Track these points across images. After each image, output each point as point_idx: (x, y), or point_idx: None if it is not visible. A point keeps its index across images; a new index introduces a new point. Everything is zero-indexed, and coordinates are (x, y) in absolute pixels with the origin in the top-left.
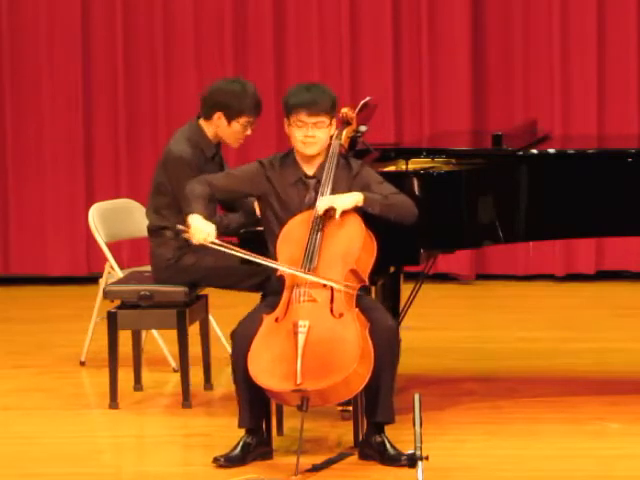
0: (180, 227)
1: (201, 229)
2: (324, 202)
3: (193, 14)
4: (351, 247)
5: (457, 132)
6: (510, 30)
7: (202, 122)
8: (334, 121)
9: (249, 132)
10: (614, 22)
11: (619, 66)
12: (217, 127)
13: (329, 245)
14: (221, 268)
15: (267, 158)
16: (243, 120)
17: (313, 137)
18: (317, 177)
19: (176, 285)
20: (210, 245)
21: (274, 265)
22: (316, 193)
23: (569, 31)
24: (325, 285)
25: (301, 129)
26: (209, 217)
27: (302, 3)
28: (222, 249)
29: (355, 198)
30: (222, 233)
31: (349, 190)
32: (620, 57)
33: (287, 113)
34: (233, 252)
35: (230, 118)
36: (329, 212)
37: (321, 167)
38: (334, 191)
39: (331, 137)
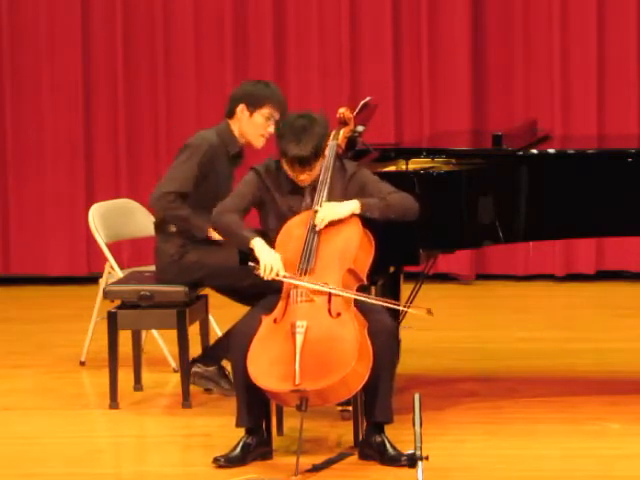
0: (252, 264)
1: (271, 265)
2: (319, 215)
3: (193, 14)
4: (348, 247)
5: (457, 132)
6: (510, 30)
7: (229, 121)
8: (325, 149)
9: (271, 128)
10: (614, 22)
11: (619, 66)
12: (240, 121)
13: (326, 245)
14: (223, 266)
15: (262, 165)
16: (265, 111)
17: (305, 179)
18: (312, 183)
19: (178, 283)
20: (282, 280)
21: (350, 294)
22: (311, 198)
23: (569, 31)
24: (323, 284)
25: (294, 172)
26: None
27: (302, 3)
28: (291, 281)
29: (352, 206)
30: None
31: (344, 192)
32: (620, 57)
33: (278, 150)
34: (304, 284)
35: (252, 108)
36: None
37: (314, 178)
38: (330, 195)
39: (328, 136)
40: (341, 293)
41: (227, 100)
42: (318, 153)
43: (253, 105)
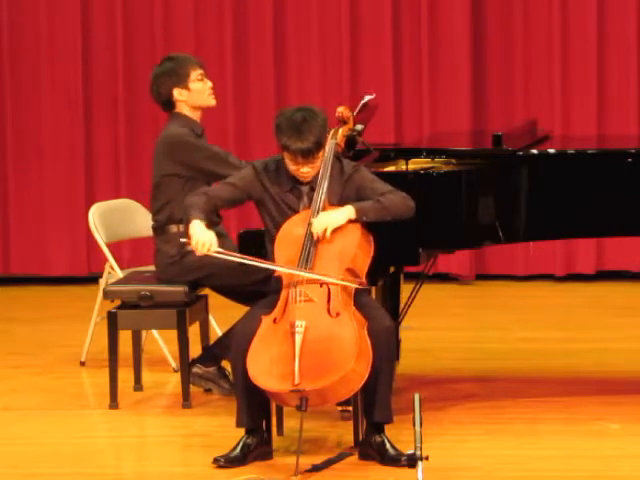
0: (183, 240)
1: (203, 240)
2: (318, 224)
3: (193, 14)
4: (347, 246)
5: (457, 132)
6: (510, 30)
7: (175, 112)
8: (325, 141)
9: (210, 84)
10: (614, 22)
11: (619, 66)
12: (185, 101)
13: (325, 245)
14: (224, 266)
15: (261, 161)
16: (194, 76)
17: (308, 172)
18: (311, 184)
19: (179, 283)
20: (213, 254)
21: (275, 267)
22: (309, 198)
23: (569, 31)
24: (322, 285)
25: (295, 165)
26: (208, 224)
27: (302, 3)
28: (225, 257)
29: (347, 213)
30: None
31: (342, 193)
32: (620, 57)
33: (279, 145)
34: (235, 259)
35: (183, 83)
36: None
37: (315, 173)
38: (327, 195)
39: (328, 127)
40: (311, 275)
41: (155, 101)
42: (320, 144)
43: (182, 81)
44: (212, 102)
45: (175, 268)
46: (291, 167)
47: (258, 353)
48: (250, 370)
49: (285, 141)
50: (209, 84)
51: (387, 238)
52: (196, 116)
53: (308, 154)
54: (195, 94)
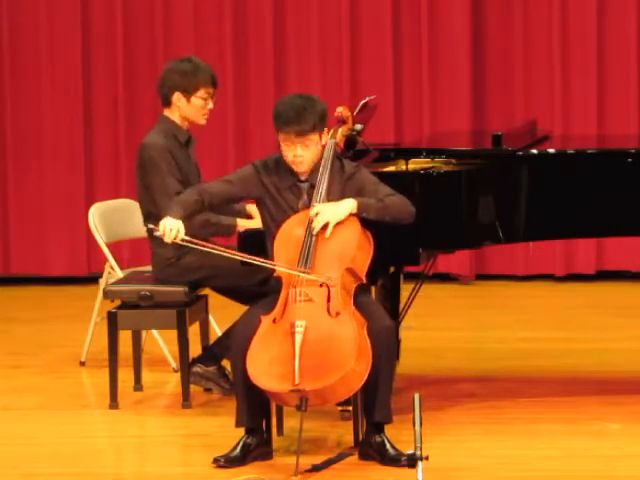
0: (151, 226)
1: (170, 226)
2: (319, 219)
3: (193, 14)
4: (347, 246)
5: (457, 132)
6: (510, 30)
7: (166, 111)
8: (324, 133)
9: (211, 106)
10: (614, 22)
11: (619, 66)
12: (179, 108)
13: (325, 244)
14: (222, 267)
15: (262, 160)
16: (201, 93)
17: (302, 156)
18: (310, 181)
19: (177, 284)
20: (182, 243)
21: (241, 257)
22: (309, 197)
23: (569, 31)
24: (322, 285)
25: (289, 148)
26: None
27: (302, 3)
28: (195, 247)
29: (349, 206)
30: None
31: (342, 193)
32: (620, 57)
33: (276, 129)
34: (205, 249)
35: (188, 94)
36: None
37: (315, 170)
38: (327, 194)
39: (327, 115)
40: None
41: (158, 87)
42: (316, 125)
43: (188, 91)
44: (202, 122)
45: (173, 269)
46: (286, 153)
47: (258, 353)
48: (250, 370)
49: (282, 122)
50: (210, 106)
51: (387, 238)
52: (184, 125)
53: (302, 133)
54: (191, 108)
